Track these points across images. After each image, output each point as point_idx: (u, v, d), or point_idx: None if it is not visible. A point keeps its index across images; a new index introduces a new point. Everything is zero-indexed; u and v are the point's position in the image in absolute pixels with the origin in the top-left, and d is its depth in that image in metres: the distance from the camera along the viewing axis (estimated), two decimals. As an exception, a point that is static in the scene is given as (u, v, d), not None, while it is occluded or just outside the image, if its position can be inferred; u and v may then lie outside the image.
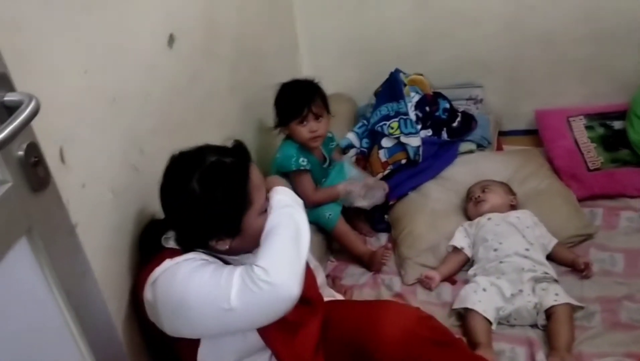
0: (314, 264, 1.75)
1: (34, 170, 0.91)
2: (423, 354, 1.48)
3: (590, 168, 2.42)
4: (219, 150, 1.33)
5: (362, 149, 2.55)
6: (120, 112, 1.38)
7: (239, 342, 1.28)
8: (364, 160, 2.53)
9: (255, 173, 1.34)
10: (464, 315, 1.87)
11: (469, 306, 1.85)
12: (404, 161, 2.38)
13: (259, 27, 2.41)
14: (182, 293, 1.24)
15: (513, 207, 2.18)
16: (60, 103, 1.15)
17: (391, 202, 2.34)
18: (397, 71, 2.59)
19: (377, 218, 2.36)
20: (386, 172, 2.37)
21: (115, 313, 1.37)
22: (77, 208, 1.21)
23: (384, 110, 2.47)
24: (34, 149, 0.91)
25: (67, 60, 1.20)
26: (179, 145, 1.63)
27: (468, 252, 2.08)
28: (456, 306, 1.90)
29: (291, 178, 2.11)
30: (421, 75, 2.64)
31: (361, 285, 2.11)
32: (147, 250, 1.44)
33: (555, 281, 1.91)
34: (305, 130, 2.07)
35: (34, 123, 0.95)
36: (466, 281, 2.01)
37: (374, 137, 2.49)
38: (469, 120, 2.58)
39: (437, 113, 2.52)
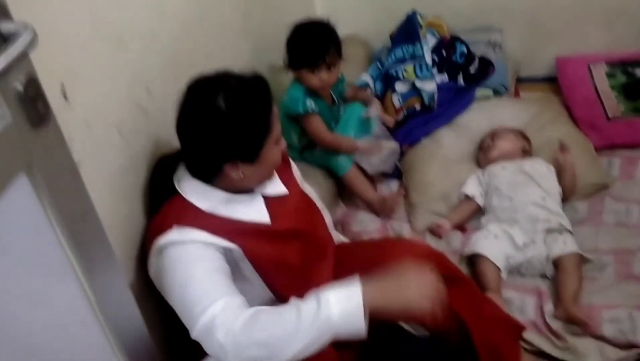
0: (320, 206, 1.72)
1: (34, 105, 0.87)
2: None
3: (610, 117, 2.36)
4: (240, 76, 1.30)
5: (376, 92, 2.49)
6: (126, 51, 1.34)
7: (247, 295, 1.27)
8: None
9: (275, 104, 1.32)
10: (473, 261, 1.85)
11: (479, 251, 1.83)
12: (418, 107, 2.32)
13: (272, -37, 2.32)
14: (178, 288, 1.22)
15: (526, 153, 2.13)
16: (62, 39, 1.11)
17: (403, 149, 2.30)
18: (414, 13, 2.51)
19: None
20: (399, 117, 2.32)
21: (122, 255, 1.36)
22: (81, 147, 1.18)
23: (399, 52, 2.41)
24: (33, 83, 0.87)
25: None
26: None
27: (480, 201, 2.04)
28: (466, 252, 1.89)
29: (300, 121, 2.07)
30: (439, 18, 2.56)
31: (370, 232, 2.09)
32: (157, 189, 1.42)
33: (569, 232, 1.88)
34: (316, 79, 2.00)
35: (33, 57, 0.92)
36: (477, 230, 1.98)
37: (387, 80, 2.43)
38: (486, 66, 2.50)
39: (453, 58, 2.45)
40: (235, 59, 1.97)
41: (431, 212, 2.09)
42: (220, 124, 1.25)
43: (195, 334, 1.17)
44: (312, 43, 1.97)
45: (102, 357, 1.15)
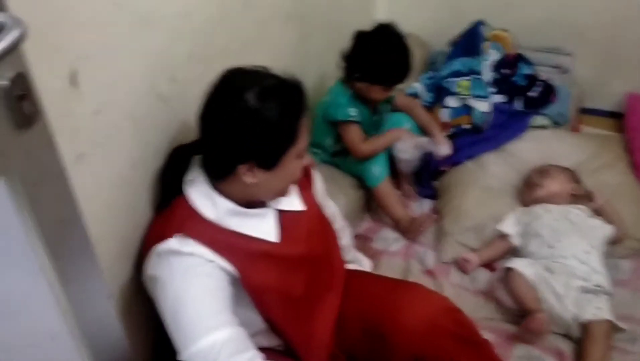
0: (340, 224, 1.61)
1: (19, 105, 0.77)
2: (443, 348, 1.36)
3: (674, 170, 2.16)
4: (279, 76, 1.20)
5: (425, 103, 2.32)
6: (152, 33, 1.22)
7: (239, 318, 1.17)
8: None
9: (306, 115, 1.22)
10: (506, 279, 1.73)
11: (511, 265, 1.72)
12: (467, 126, 2.16)
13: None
14: (172, 303, 1.15)
15: (575, 197, 1.96)
16: (79, 19, 1.01)
17: (443, 168, 2.15)
18: (479, 23, 2.34)
19: (425, 182, 2.18)
20: (445, 134, 2.17)
21: (122, 251, 1.28)
22: (86, 138, 1.09)
23: (456, 64, 2.24)
24: (21, 80, 0.76)
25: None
26: (218, 74, 1.48)
27: (515, 241, 1.89)
28: (497, 277, 1.77)
29: (338, 127, 1.94)
30: (506, 31, 2.38)
31: (391, 253, 1.97)
32: (169, 181, 1.32)
33: (605, 294, 1.71)
34: (383, 94, 1.94)
35: (44, 39, 0.81)
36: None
37: (439, 92, 2.26)
38: (549, 91, 2.31)
39: (514, 78, 2.28)
40: (276, 50, 1.83)
41: (461, 243, 1.95)
42: (243, 121, 1.14)
43: (186, 357, 1.10)
44: (402, 66, 1.88)
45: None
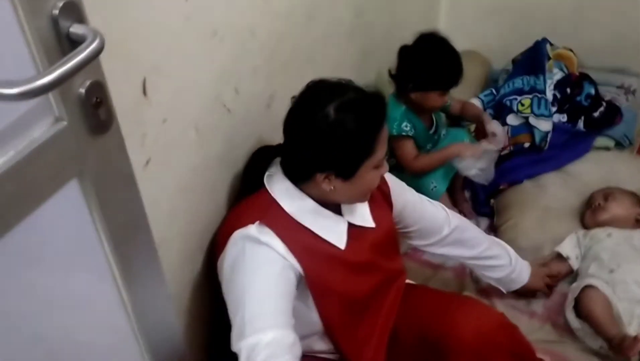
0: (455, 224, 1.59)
1: (95, 112, 0.82)
2: None
3: None
4: (360, 90, 1.25)
5: (484, 120, 2.30)
6: (219, 46, 1.27)
7: (298, 321, 1.20)
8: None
9: (385, 127, 1.26)
10: (579, 301, 1.68)
11: (591, 283, 1.66)
12: (527, 145, 2.14)
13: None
14: (239, 291, 1.19)
15: (638, 223, 1.91)
16: (152, 30, 1.06)
17: (502, 187, 2.13)
18: (543, 41, 2.31)
19: (482, 200, 2.16)
20: (504, 152, 2.14)
21: (180, 255, 1.32)
22: (153, 144, 1.14)
23: (518, 82, 2.22)
24: (97, 88, 0.81)
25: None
26: (279, 88, 1.52)
27: (574, 264, 1.85)
28: (570, 297, 1.71)
29: (391, 141, 1.95)
30: (570, 50, 2.34)
31: (446, 268, 1.95)
32: (249, 179, 1.41)
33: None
34: (440, 100, 1.93)
35: (118, 49, 0.86)
36: (564, 295, 1.79)
37: (499, 110, 2.24)
38: (613, 112, 2.26)
39: (578, 98, 2.23)
40: (337, 65, 1.86)
41: (517, 264, 1.91)
42: (322, 133, 1.19)
43: (235, 349, 1.15)
44: (453, 67, 1.87)
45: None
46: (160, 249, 1.07)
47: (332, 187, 1.24)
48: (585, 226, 1.95)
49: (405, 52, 1.90)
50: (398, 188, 1.48)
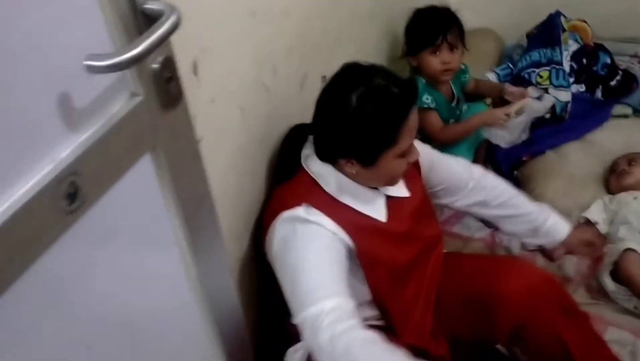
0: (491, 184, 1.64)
1: (167, 86, 0.86)
2: (546, 316, 1.36)
3: None
4: (390, 76, 1.24)
5: (502, 94, 2.34)
6: (258, 28, 1.30)
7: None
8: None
9: (413, 117, 1.24)
10: (619, 265, 1.69)
11: (627, 245, 1.68)
12: (548, 115, 2.16)
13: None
14: (294, 267, 1.22)
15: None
16: (200, 13, 1.09)
17: (524, 158, 2.16)
18: (557, 14, 2.33)
19: (506, 173, 2.19)
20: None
21: (228, 232, 1.35)
22: (204, 123, 1.16)
23: (535, 55, 2.25)
24: (169, 64, 0.85)
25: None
26: (311, 69, 1.56)
27: (602, 228, 1.88)
28: (608, 261, 1.73)
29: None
30: (584, 21, 2.37)
31: (476, 239, 1.98)
32: (287, 157, 1.43)
33: None
34: (437, 60, 1.94)
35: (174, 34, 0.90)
36: (594, 259, 1.83)
37: (518, 83, 2.27)
38: (629, 80, 2.29)
39: (594, 68, 2.27)
40: (360, 46, 1.90)
41: (546, 231, 1.95)
42: (344, 119, 1.22)
43: (298, 321, 1.18)
44: (433, 21, 1.94)
45: (198, 338, 1.15)
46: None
47: (355, 172, 1.27)
48: (610, 191, 1.99)
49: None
50: (424, 151, 1.48)
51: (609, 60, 2.28)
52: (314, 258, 1.21)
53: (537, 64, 2.21)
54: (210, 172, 1.23)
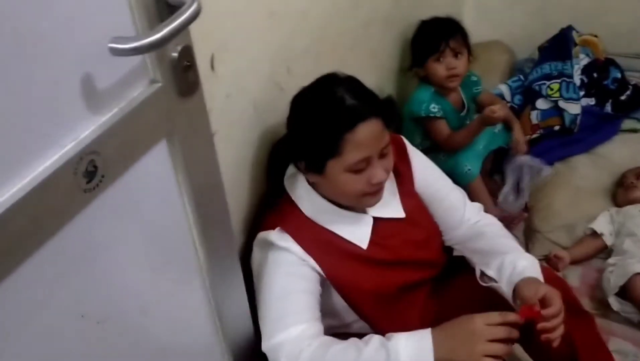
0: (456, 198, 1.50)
1: (185, 75, 0.88)
2: None
3: None
4: (356, 90, 1.22)
5: (513, 105, 2.36)
6: (275, 27, 1.34)
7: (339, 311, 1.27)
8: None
9: (364, 132, 1.18)
10: (628, 288, 1.69)
11: (637, 270, 1.67)
12: (557, 127, 2.19)
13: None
14: (265, 293, 1.24)
15: (670, 201, 1.95)
16: (219, 10, 1.12)
17: (534, 169, 2.18)
18: (569, 28, 2.36)
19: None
20: (534, 135, 2.20)
21: (237, 226, 1.38)
22: (218, 117, 1.19)
23: (546, 68, 2.27)
24: (188, 53, 0.88)
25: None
26: (327, 70, 1.57)
27: (608, 240, 1.89)
28: (615, 284, 1.72)
29: (424, 123, 2.02)
30: (596, 36, 2.39)
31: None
32: (275, 173, 1.42)
33: None
34: (442, 67, 1.97)
35: (191, 26, 0.93)
36: (599, 270, 1.84)
37: (529, 95, 2.30)
38: (639, 95, 2.30)
39: (605, 82, 2.29)
40: (375, 51, 1.93)
41: (551, 241, 1.97)
42: (296, 120, 1.28)
43: (264, 348, 1.20)
44: (436, 29, 1.99)
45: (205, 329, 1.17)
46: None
47: (314, 181, 1.27)
48: (618, 204, 2.00)
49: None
50: (423, 169, 1.44)
51: (619, 75, 2.30)
52: (281, 285, 1.22)
53: (548, 77, 2.23)
54: (221, 164, 1.26)
